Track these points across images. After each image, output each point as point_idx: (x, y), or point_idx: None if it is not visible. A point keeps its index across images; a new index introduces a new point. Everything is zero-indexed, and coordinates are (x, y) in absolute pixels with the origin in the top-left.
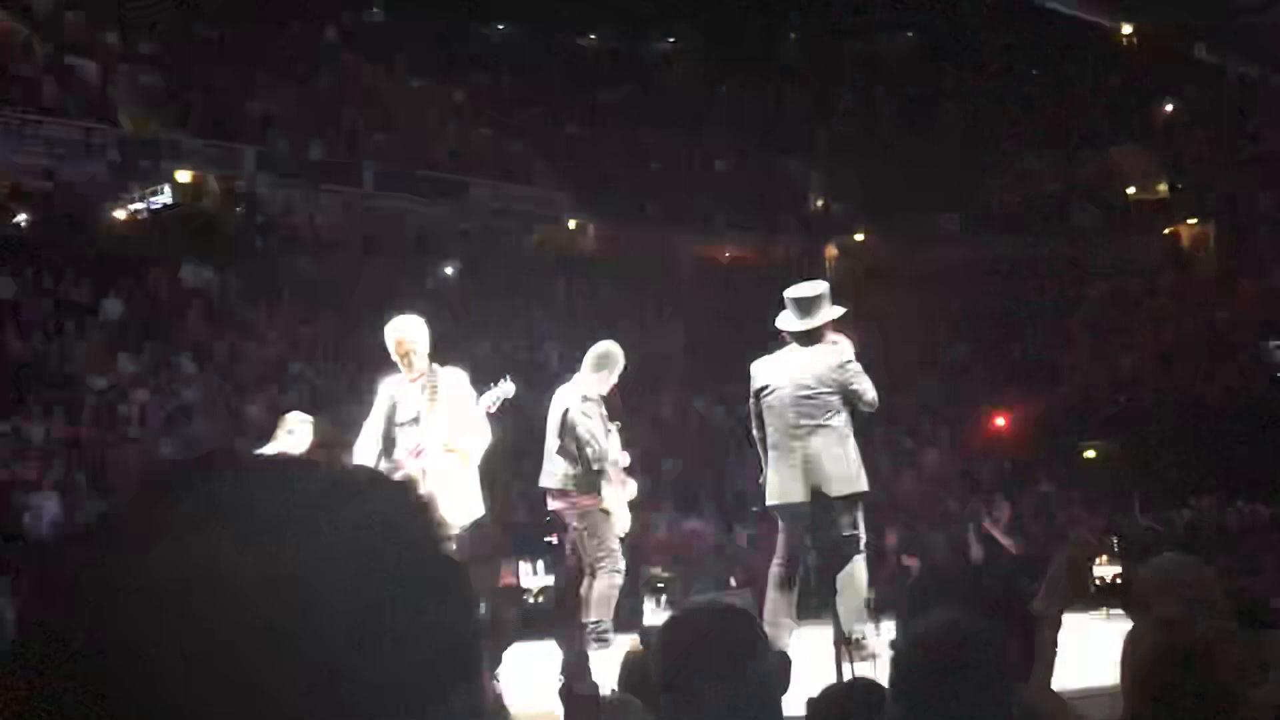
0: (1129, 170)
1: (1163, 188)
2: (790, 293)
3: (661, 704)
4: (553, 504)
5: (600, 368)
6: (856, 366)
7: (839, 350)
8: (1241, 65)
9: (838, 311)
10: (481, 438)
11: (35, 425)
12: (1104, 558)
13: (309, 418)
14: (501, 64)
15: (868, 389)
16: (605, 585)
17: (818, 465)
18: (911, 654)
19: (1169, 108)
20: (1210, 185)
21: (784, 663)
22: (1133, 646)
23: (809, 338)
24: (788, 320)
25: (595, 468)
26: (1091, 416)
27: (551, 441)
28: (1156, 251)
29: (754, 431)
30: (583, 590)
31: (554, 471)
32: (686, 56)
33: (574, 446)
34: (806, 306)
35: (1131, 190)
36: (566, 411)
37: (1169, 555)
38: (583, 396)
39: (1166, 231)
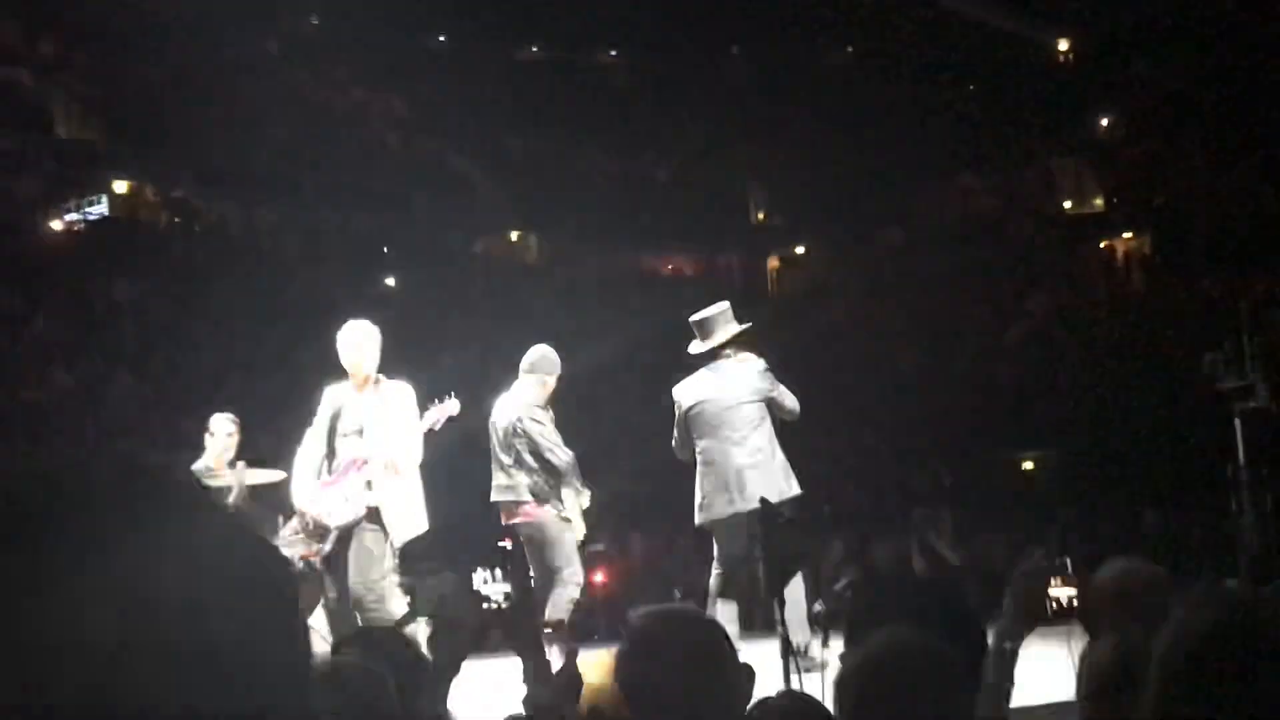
0: (1066, 184)
1: (1099, 201)
2: (693, 318)
3: (629, 709)
4: (509, 519)
5: (534, 370)
6: (772, 376)
7: (754, 362)
8: (1176, 79)
9: (739, 327)
10: (418, 454)
11: None
12: (1058, 579)
13: (231, 417)
14: (442, 75)
15: (788, 396)
16: (564, 594)
17: (750, 476)
18: (859, 672)
19: (1105, 121)
20: (1146, 198)
21: (748, 672)
22: (1090, 661)
23: (715, 356)
24: (695, 345)
25: (563, 470)
26: (1030, 427)
27: (502, 455)
28: (1093, 264)
29: (679, 453)
30: (543, 596)
31: (508, 485)
32: (628, 70)
33: (530, 457)
34: (708, 327)
35: (1069, 204)
36: (516, 422)
37: (1119, 563)
38: (528, 403)
39: (1102, 245)
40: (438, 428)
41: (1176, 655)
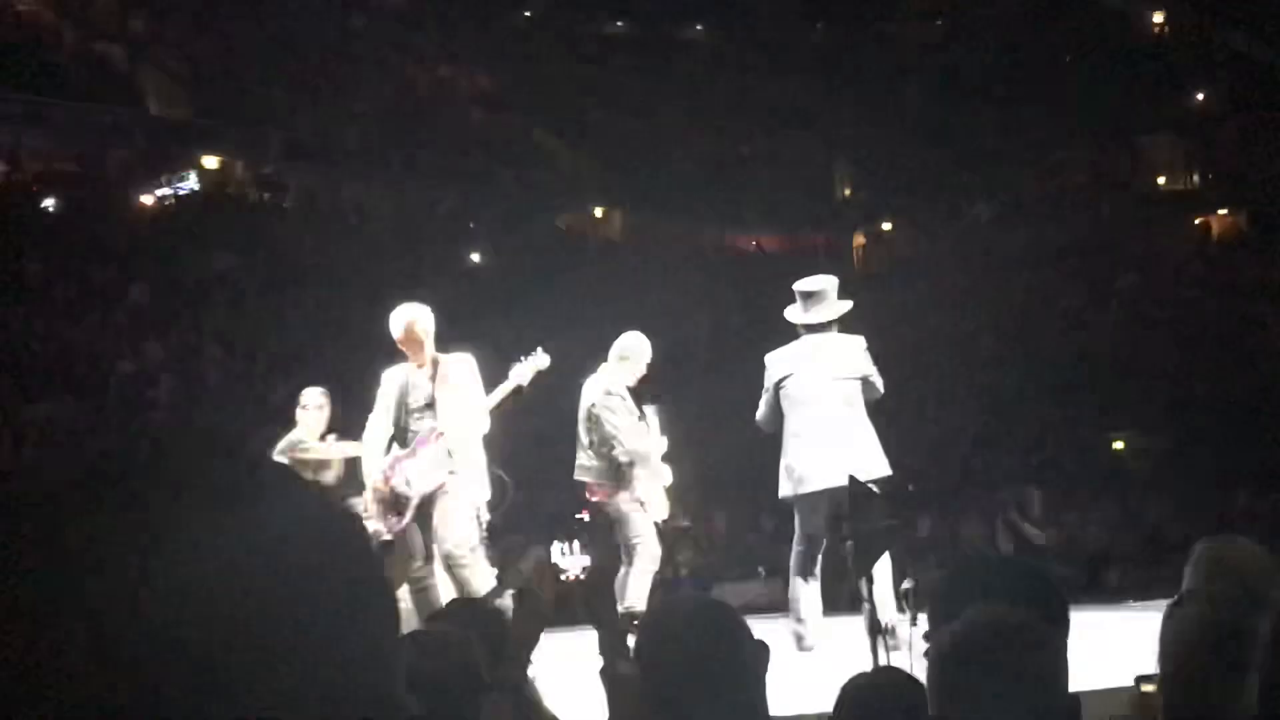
0: (1159, 160)
1: (1193, 177)
2: (801, 286)
3: (644, 698)
4: (588, 497)
5: (624, 359)
6: (869, 356)
7: (856, 339)
8: (1273, 53)
9: (847, 305)
10: (485, 424)
11: (62, 410)
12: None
13: (322, 390)
14: (528, 51)
15: (879, 378)
16: (638, 573)
17: (846, 451)
18: (952, 649)
19: (1200, 96)
20: (1241, 175)
21: (762, 650)
22: (1174, 621)
23: (823, 329)
24: (799, 313)
25: (624, 461)
26: (1121, 408)
27: (582, 436)
28: (1187, 241)
29: (762, 423)
30: (618, 576)
31: (584, 465)
32: (712, 44)
33: (599, 441)
34: (820, 299)
35: (1162, 180)
36: (592, 406)
37: (1225, 537)
38: (605, 390)
39: (1197, 222)
40: (526, 383)
41: None
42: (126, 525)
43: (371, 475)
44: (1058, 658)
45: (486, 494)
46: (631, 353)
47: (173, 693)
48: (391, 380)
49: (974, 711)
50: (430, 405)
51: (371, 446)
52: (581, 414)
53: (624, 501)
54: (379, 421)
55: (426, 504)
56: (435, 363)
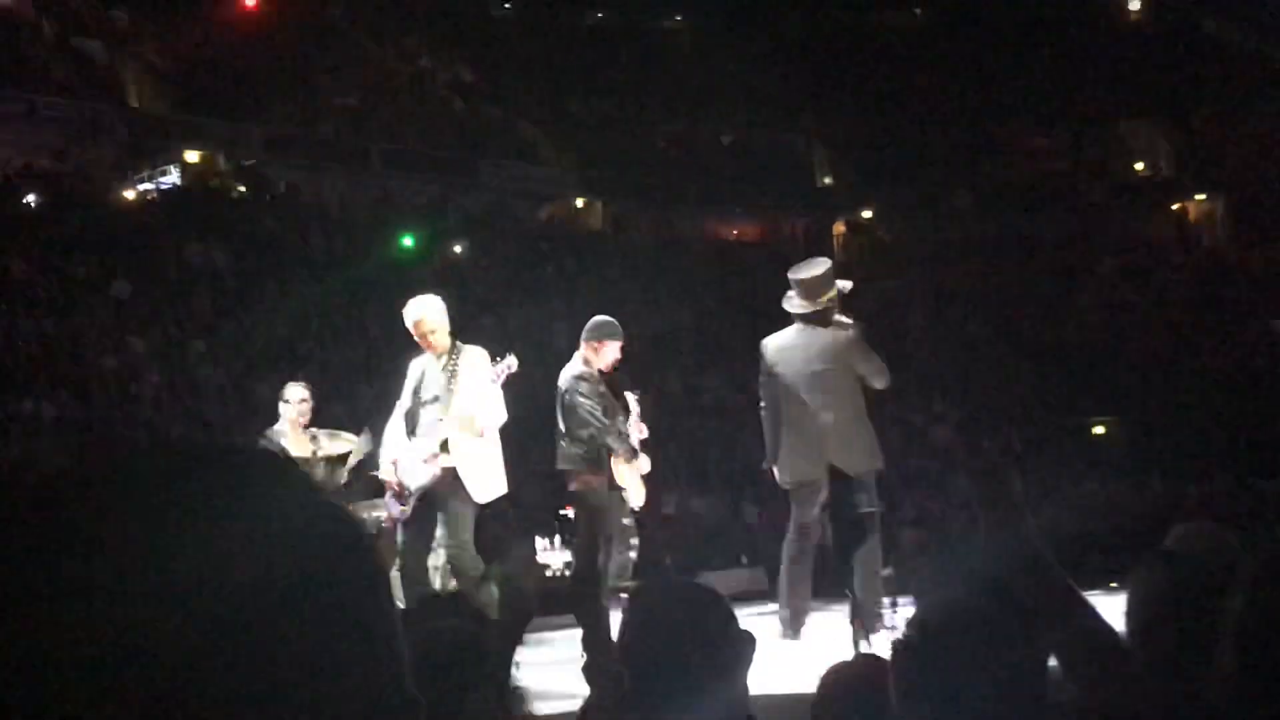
0: (1137, 147)
1: (1171, 164)
2: (794, 274)
3: (625, 682)
4: (568, 486)
5: (589, 339)
6: (866, 346)
7: (849, 329)
8: (1249, 39)
9: (845, 286)
10: (498, 417)
11: (46, 406)
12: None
13: (304, 384)
14: (508, 42)
15: (879, 368)
16: (621, 563)
17: (834, 443)
18: (911, 636)
19: (1178, 83)
20: (1218, 161)
21: (748, 639)
22: (1141, 579)
23: (817, 318)
24: (794, 303)
25: (600, 443)
26: (1100, 392)
27: (559, 424)
28: (1164, 227)
29: (764, 409)
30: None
31: (563, 454)
32: (692, 33)
33: (575, 426)
34: (812, 287)
35: (1140, 166)
36: (564, 392)
37: (1198, 522)
38: (575, 375)
39: (1175, 207)
40: (498, 385)
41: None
42: (117, 520)
43: (383, 466)
44: (1019, 644)
45: (501, 486)
46: (595, 334)
47: (164, 695)
48: (414, 369)
49: (936, 697)
50: (438, 398)
51: (388, 433)
52: (557, 401)
53: (598, 489)
54: (399, 409)
55: (425, 497)
56: (453, 355)
